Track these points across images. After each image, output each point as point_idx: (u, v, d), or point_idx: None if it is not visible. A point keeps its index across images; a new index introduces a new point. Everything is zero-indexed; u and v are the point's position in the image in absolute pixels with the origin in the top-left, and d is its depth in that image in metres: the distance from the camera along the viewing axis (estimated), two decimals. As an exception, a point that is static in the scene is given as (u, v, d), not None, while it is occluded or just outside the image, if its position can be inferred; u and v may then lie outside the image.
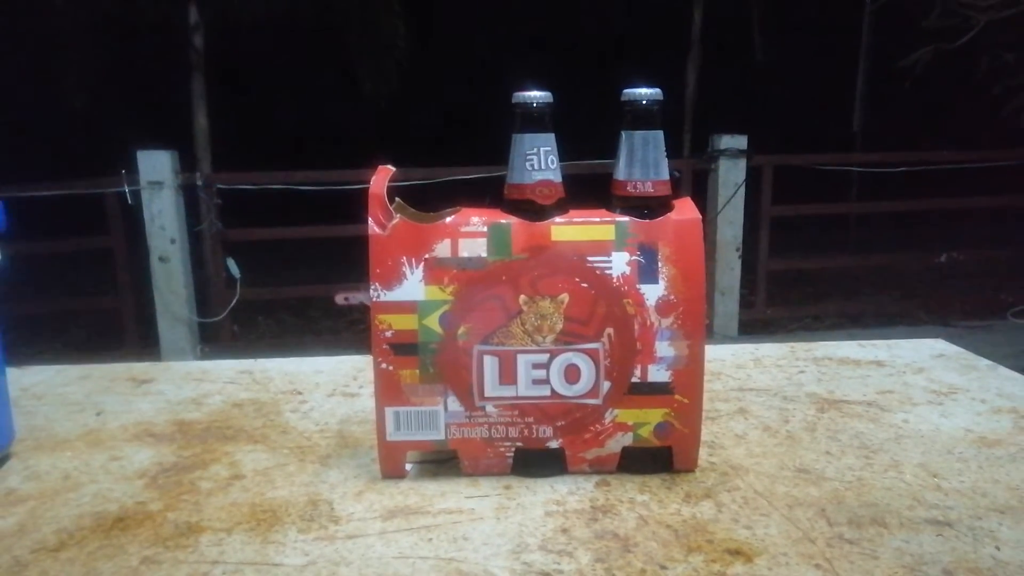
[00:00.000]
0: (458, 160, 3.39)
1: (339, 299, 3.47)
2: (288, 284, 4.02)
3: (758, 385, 0.74)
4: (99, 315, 3.78)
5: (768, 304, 3.97)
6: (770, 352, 0.84)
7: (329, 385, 0.77)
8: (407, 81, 5.82)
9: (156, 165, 3.20)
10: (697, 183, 3.77)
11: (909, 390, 0.72)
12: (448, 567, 0.45)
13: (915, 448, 0.60)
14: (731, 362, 0.81)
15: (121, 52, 5.24)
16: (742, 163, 3.68)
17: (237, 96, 5.79)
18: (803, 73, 6.64)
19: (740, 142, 3.73)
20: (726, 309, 3.77)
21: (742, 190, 3.67)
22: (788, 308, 4.20)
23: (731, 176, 3.67)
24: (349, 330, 4.01)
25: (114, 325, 3.52)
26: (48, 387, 0.77)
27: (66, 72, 5.42)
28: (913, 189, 4.08)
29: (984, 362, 0.80)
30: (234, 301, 3.39)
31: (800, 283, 4.66)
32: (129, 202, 3.21)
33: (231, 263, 3.33)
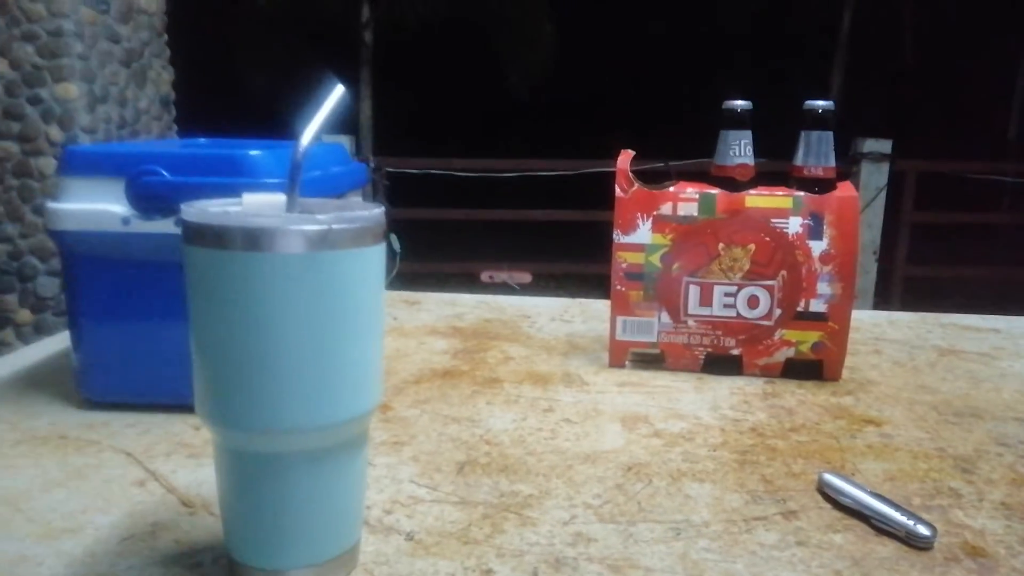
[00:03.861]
0: (590, 153, 3.63)
1: (484, 276, 3.79)
2: (436, 261, 4.39)
3: (891, 337, 0.93)
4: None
5: (902, 311, 3.95)
6: (903, 317, 1.03)
7: (547, 315, 1.02)
8: (551, 74, 6.09)
9: (335, 147, 3.63)
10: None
11: (1019, 348, 0.89)
12: (669, 411, 0.68)
13: (1015, 382, 0.78)
14: (868, 322, 1.00)
15: (299, 43, 5.83)
16: (885, 167, 3.70)
17: (397, 88, 6.27)
18: (957, 78, 6.39)
19: (884, 146, 3.75)
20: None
21: (883, 195, 3.69)
22: (924, 316, 4.15)
23: (873, 180, 3.70)
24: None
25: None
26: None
27: (248, 58, 6.05)
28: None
29: (1094, 336, 0.95)
30: (394, 272, 3.77)
31: (939, 294, 4.57)
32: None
33: (394, 238, 3.72)
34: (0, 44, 2.50)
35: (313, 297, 0.39)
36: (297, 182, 0.41)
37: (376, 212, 0.41)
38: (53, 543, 0.44)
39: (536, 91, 6.05)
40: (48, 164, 2.56)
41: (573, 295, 1.12)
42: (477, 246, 4.34)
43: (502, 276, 3.79)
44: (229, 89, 5.87)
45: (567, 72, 6.59)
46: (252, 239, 0.38)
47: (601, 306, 1.04)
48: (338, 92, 0.44)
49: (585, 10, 7.05)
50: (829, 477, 0.53)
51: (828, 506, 0.52)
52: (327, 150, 0.78)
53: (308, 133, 0.42)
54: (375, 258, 0.41)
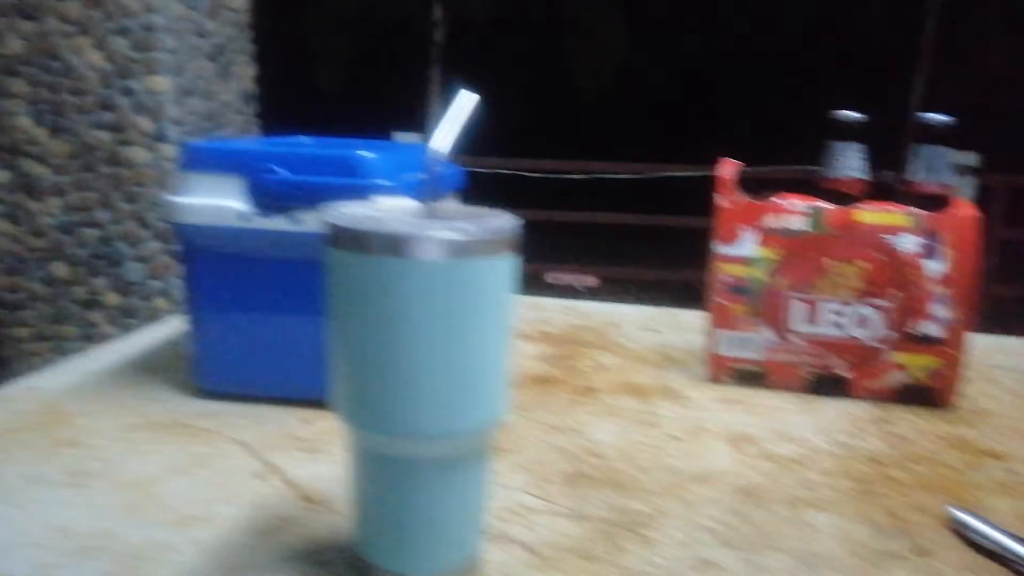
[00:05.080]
0: (660, 157, 3.58)
1: (550, 278, 3.78)
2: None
3: (1004, 365, 0.89)
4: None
5: (991, 332, 3.78)
6: (1013, 344, 0.98)
7: (635, 323, 1.01)
8: (619, 79, 6.04)
9: (407, 145, 3.68)
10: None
11: None
12: (776, 434, 0.66)
13: None
14: (977, 347, 0.95)
15: (369, 43, 5.93)
16: (972, 182, 3.55)
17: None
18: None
19: (969, 159, 3.59)
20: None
21: (969, 209, 3.53)
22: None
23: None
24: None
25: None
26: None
27: (320, 58, 6.18)
28: None
29: None
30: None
31: (1026, 315, 4.35)
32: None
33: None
34: (97, 37, 2.61)
35: (450, 304, 0.39)
36: (436, 190, 0.41)
37: (512, 223, 0.41)
38: (187, 531, 0.46)
39: (606, 93, 6.01)
40: (138, 154, 2.66)
41: (641, 300, 1.10)
42: (543, 247, 4.34)
43: (566, 279, 3.78)
44: (303, 86, 6.02)
45: (637, 74, 6.53)
46: (395, 245, 0.38)
47: (691, 317, 1.02)
48: (471, 100, 0.44)
49: (657, 11, 6.97)
50: (963, 516, 0.51)
51: (959, 543, 0.49)
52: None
53: (444, 141, 0.42)
54: (509, 268, 0.41)
